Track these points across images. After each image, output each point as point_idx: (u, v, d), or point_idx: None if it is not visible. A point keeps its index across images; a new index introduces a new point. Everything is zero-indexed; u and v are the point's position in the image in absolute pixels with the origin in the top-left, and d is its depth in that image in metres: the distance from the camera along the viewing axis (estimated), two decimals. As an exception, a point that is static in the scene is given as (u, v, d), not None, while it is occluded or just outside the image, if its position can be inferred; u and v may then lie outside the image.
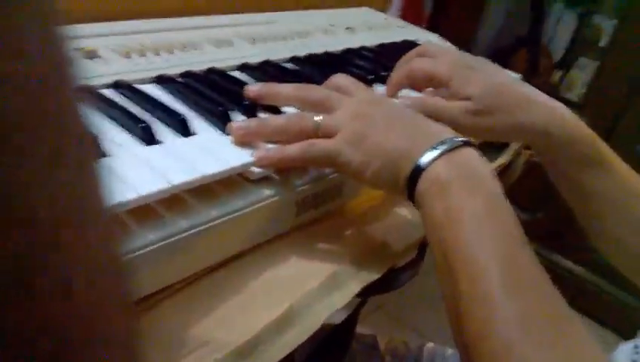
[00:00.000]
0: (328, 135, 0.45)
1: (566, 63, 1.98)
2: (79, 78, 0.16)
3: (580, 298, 1.60)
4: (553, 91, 0.55)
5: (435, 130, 0.44)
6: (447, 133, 0.44)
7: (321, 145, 0.44)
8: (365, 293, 0.46)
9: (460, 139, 0.42)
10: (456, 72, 0.55)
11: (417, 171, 0.41)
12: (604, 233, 0.59)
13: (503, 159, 0.70)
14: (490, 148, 0.71)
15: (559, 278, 0.35)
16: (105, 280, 0.17)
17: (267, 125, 0.46)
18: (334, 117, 0.46)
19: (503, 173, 0.71)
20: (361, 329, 0.73)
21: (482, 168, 0.41)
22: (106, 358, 0.17)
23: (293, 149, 0.44)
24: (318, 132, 0.45)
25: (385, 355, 0.74)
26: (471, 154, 0.42)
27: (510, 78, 0.58)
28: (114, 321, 0.17)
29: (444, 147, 0.41)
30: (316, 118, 0.46)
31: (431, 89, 0.61)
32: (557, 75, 1.99)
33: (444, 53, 0.59)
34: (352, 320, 0.64)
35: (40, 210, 0.14)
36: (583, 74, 1.91)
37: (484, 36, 2.00)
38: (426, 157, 0.41)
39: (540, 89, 0.57)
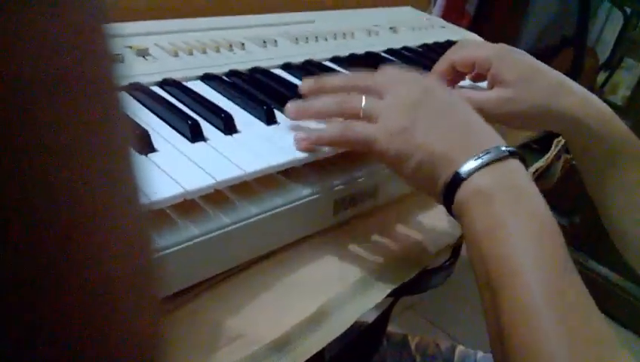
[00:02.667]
0: (370, 119, 0.44)
1: (611, 65, 1.93)
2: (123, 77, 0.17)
3: (610, 304, 1.57)
4: (596, 94, 0.55)
5: (482, 136, 0.42)
6: (494, 140, 0.41)
7: (359, 128, 0.44)
8: (397, 293, 0.47)
9: (506, 149, 0.40)
10: (495, 55, 0.55)
11: (457, 179, 0.40)
12: (626, 231, 0.58)
13: (541, 163, 0.69)
14: (529, 152, 0.70)
15: (592, 283, 0.35)
16: (136, 279, 0.17)
17: (315, 104, 0.47)
18: (381, 102, 0.45)
19: (540, 177, 0.70)
20: (391, 328, 0.74)
21: (527, 182, 0.40)
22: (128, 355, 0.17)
23: (332, 130, 0.45)
24: (360, 114, 0.45)
25: (415, 355, 0.74)
26: (516, 167, 0.40)
27: (547, 67, 0.57)
28: (139, 316, 0.17)
29: (488, 157, 0.39)
30: (363, 101, 0.45)
31: (467, 82, 0.61)
32: (602, 77, 1.94)
33: (480, 44, 0.60)
34: (383, 319, 0.65)
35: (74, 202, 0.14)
36: (628, 75, 1.86)
37: (528, 36, 1.97)
38: (467, 166, 0.39)
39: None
